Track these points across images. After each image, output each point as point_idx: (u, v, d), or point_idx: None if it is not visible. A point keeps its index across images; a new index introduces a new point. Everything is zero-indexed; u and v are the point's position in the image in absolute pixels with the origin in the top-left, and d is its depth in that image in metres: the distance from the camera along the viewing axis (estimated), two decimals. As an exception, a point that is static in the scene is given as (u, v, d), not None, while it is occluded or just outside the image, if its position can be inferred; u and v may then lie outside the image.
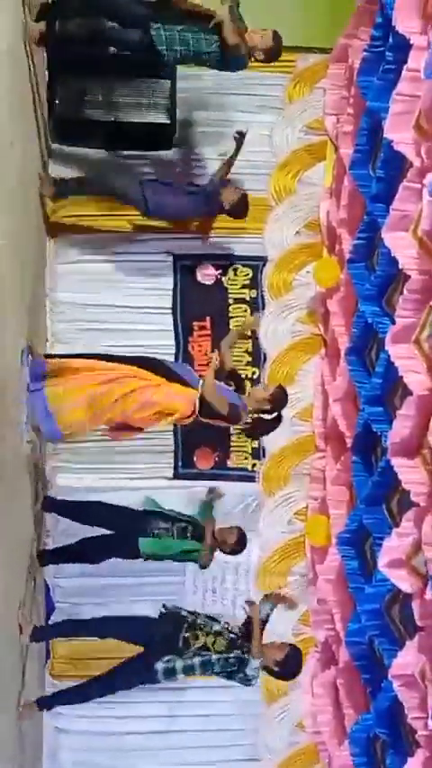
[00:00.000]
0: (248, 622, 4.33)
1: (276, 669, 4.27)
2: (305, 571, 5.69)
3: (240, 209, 5.11)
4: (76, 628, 4.83)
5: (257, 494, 5.73)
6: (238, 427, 4.77)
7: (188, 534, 4.65)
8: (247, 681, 4.30)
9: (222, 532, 4.71)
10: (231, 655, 4.24)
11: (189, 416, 4.27)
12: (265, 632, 4.35)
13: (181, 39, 4.39)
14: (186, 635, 4.26)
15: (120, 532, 4.69)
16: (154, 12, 4.42)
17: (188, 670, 4.25)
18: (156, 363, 4.34)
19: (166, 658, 4.23)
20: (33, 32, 4.27)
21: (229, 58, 4.50)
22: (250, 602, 4.45)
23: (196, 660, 4.23)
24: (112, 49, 4.81)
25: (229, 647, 4.24)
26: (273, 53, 4.65)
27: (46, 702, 4.63)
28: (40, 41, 4.41)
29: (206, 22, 4.38)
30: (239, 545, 4.75)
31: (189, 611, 4.46)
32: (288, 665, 4.28)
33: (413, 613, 3.74)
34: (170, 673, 4.25)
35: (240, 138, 5.02)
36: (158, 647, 4.28)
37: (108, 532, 4.74)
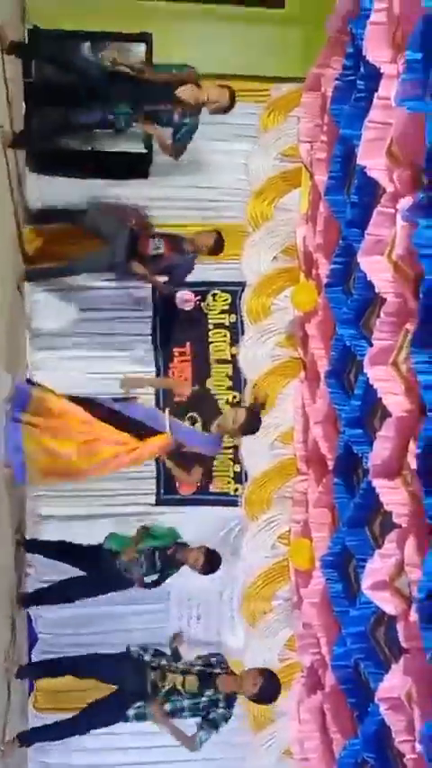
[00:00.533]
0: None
1: (254, 696, 4.30)
2: (289, 595, 5.67)
3: (218, 248, 5.14)
4: (54, 670, 4.81)
5: (240, 518, 5.73)
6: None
7: (156, 563, 4.61)
8: (213, 725, 4.28)
9: (188, 553, 4.63)
10: (203, 698, 4.24)
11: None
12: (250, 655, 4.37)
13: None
14: (152, 677, 4.26)
15: (91, 572, 4.71)
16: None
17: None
18: (122, 419, 4.31)
19: (137, 704, 4.26)
20: (6, 137, 4.39)
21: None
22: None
23: (167, 707, 4.25)
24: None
25: (201, 687, 4.25)
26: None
27: (26, 738, 4.59)
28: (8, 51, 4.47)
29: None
30: (209, 565, 4.63)
31: (152, 653, 4.42)
32: (265, 692, 4.30)
33: (398, 635, 3.73)
34: (141, 717, 4.29)
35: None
36: (128, 694, 4.28)
37: (82, 574, 4.76)
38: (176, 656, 4.46)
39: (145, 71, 4.62)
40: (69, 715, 4.60)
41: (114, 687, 4.39)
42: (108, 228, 5.04)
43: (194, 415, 4.42)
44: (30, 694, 5.32)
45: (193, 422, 4.41)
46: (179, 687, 4.23)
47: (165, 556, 4.59)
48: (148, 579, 4.60)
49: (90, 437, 4.17)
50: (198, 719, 4.29)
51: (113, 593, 4.79)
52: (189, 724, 4.36)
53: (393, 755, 4.00)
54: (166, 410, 4.40)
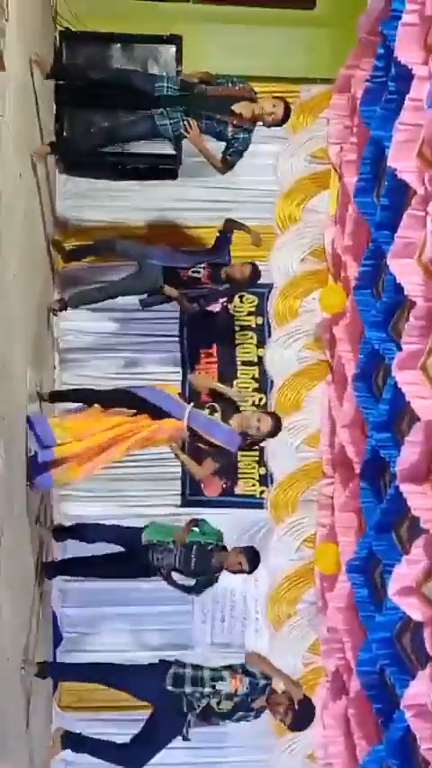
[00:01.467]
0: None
1: (291, 726, 4.25)
2: (314, 599, 5.64)
3: (255, 278, 5.16)
4: (81, 674, 4.73)
5: (266, 521, 5.71)
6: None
7: (192, 559, 4.58)
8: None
9: (232, 555, 4.58)
10: (234, 717, 4.21)
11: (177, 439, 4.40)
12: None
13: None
14: (189, 699, 4.19)
15: (127, 551, 4.68)
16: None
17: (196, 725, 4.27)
18: (143, 404, 4.35)
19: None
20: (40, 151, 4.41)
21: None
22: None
23: (203, 721, 4.25)
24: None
25: (235, 709, 4.18)
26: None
27: (70, 743, 4.55)
28: (48, 76, 4.50)
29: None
30: (254, 563, 4.60)
31: (191, 678, 4.25)
32: (298, 724, 4.24)
33: (424, 642, 3.69)
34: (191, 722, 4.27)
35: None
36: (165, 713, 4.23)
37: (116, 551, 4.73)
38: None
39: (206, 84, 4.53)
40: (94, 715, 4.58)
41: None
42: (137, 255, 5.09)
43: (215, 405, 4.42)
44: (54, 692, 5.34)
45: (212, 411, 4.40)
46: (213, 706, 4.17)
47: (201, 553, 4.52)
48: (179, 580, 4.55)
49: (109, 443, 4.23)
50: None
51: (140, 578, 4.75)
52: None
53: (418, 763, 3.96)
54: (190, 404, 4.42)
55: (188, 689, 4.18)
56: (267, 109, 4.54)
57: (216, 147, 4.70)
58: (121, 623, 5.52)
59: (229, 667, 4.28)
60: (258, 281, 5.23)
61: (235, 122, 4.51)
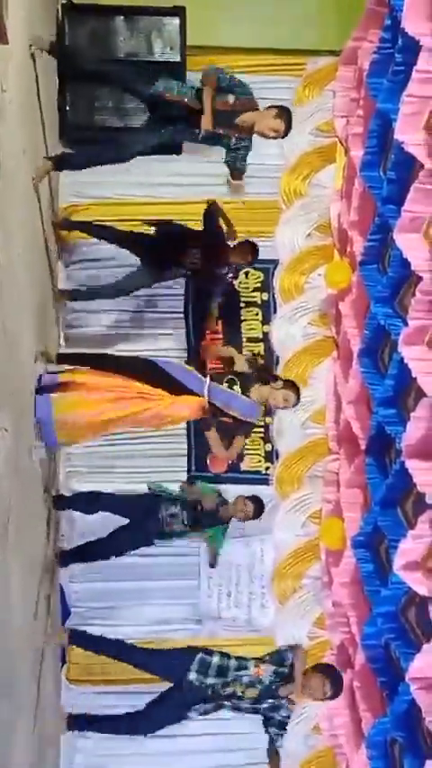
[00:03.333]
0: (291, 665, 4.26)
1: (328, 698, 4.29)
2: (320, 574, 5.68)
3: (255, 257, 5.21)
4: (101, 647, 4.77)
5: (271, 497, 5.73)
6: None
7: (198, 513, 4.67)
8: (281, 726, 4.24)
9: (234, 506, 4.73)
10: (264, 705, 4.20)
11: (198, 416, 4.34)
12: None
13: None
14: (215, 686, 4.21)
15: (134, 518, 4.71)
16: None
17: (218, 708, 4.27)
18: (161, 375, 4.28)
19: (197, 707, 4.24)
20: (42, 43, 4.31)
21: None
22: (295, 647, 4.40)
23: (227, 704, 4.24)
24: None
25: (261, 697, 4.19)
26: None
27: (77, 723, 4.64)
28: (50, 53, 4.43)
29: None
30: (258, 508, 4.77)
31: (217, 668, 4.26)
32: (336, 691, 4.28)
33: (429, 616, 3.72)
34: (203, 713, 4.29)
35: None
36: (188, 697, 4.24)
37: (123, 522, 4.76)
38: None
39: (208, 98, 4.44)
40: (102, 689, 4.63)
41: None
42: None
43: (233, 378, 4.38)
44: (62, 666, 5.41)
45: (231, 384, 4.36)
46: (240, 693, 4.19)
47: (208, 511, 4.62)
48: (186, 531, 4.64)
49: (119, 395, 4.16)
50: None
51: (152, 542, 4.79)
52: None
53: (423, 735, 4.01)
54: (207, 377, 4.36)
55: (211, 680, 4.22)
56: (268, 134, 4.49)
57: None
58: (128, 598, 5.57)
59: (257, 658, 4.32)
60: (258, 258, 5.21)
61: (237, 135, 4.49)
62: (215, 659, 4.28)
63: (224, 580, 5.65)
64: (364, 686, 4.79)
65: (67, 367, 4.31)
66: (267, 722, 4.25)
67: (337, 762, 5.40)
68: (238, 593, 5.70)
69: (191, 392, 4.25)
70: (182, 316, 5.73)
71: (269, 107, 4.52)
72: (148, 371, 4.27)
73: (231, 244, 5.10)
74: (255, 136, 4.55)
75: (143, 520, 4.67)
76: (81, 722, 4.70)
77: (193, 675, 4.24)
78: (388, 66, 4.27)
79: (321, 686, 4.21)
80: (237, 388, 4.32)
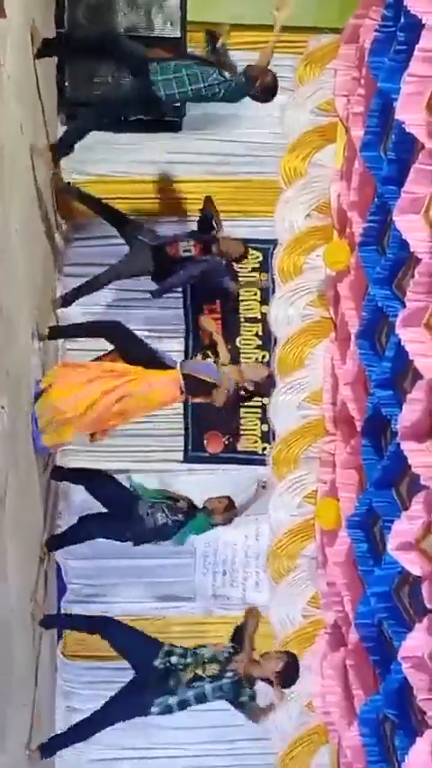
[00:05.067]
0: (239, 633, 4.32)
1: (277, 680, 4.27)
2: (315, 554, 5.71)
3: (245, 257, 5.28)
4: (83, 625, 4.84)
5: (267, 477, 5.75)
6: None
7: (180, 508, 4.72)
8: (247, 709, 4.27)
9: (212, 501, 4.79)
10: (224, 680, 4.20)
11: (176, 398, 4.46)
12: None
13: (177, 81, 4.42)
14: (178, 675, 4.23)
15: (115, 514, 4.75)
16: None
17: (183, 705, 4.26)
18: (133, 346, 4.46)
19: (159, 701, 4.23)
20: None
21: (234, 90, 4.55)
22: (249, 610, 4.45)
23: (190, 694, 4.22)
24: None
25: (222, 670, 4.21)
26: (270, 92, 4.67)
27: (47, 749, 4.45)
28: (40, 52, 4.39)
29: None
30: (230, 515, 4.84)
31: (180, 653, 4.32)
32: (288, 674, 4.30)
33: (422, 596, 3.75)
34: (166, 710, 4.26)
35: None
36: (150, 689, 4.25)
37: (104, 512, 4.81)
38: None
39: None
40: (98, 664, 4.66)
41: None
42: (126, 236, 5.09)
43: (208, 352, 4.62)
44: (58, 641, 5.46)
45: (205, 357, 4.61)
46: (200, 674, 4.22)
47: (188, 505, 4.68)
48: (162, 520, 4.66)
49: (88, 377, 4.27)
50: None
51: (132, 536, 4.79)
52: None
53: (414, 713, 4.06)
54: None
55: (174, 659, 4.27)
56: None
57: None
58: (124, 575, 5.60)
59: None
60: (245, 256, 5.28)
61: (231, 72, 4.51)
62: (178, 649, 4.36)
63: (219, 559, 5.69)
64: (357, 664, 4.84)
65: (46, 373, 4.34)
66: (236, 706, 4.28)
67: (330, 739, 5.46)
68: (233, 572, 5.74)
69: (164, 365, 4.42)
70: (181, 296, 5.72)
71: None
72: (123, 344, 4.45)
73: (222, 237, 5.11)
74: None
75: (123, 517, 4.71)
76: (49, 748, 4.51)
77: (158, 662, 4.28)
78: (390, 45, 4.23)
79: (274, 664, 4.23)
80: (210, 360, 4.59)
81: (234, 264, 5.50)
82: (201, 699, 4.23)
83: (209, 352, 4.62)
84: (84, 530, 4.84)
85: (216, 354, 4.67)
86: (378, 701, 4.34)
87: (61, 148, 4.66)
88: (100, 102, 4.82)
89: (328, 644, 5.51)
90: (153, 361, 4.43)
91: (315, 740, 5.65)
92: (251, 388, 4.64)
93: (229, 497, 4.88)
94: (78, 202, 5.27)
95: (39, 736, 4.34)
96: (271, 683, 4.29)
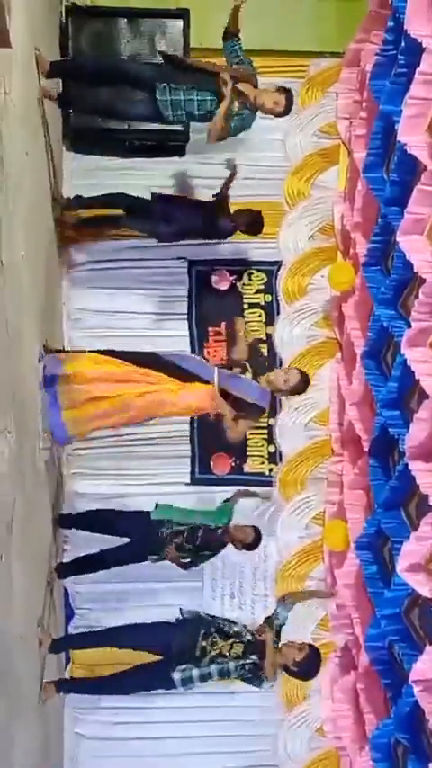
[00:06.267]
0: (262, 631, 4.33)
1: (294, 669, 4.28)
2: (323, 575, 5.67)
3: (257, 227, 5.20)
4: (93, 640, 4.83)
5: (275, 498, 5.73)
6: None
7: (198, 536, 4.61)
8: (260, 683, 4.32)
9: (237, 531, 4.69)
10: (248, 660, 4.23)
11: (210, 411, 4.30)
12: (283, 633, 4.37)
13: (186, 101, 4.45)
14: (203, 643, 4.26)
15: (135, 539, 4.69)
16: (161, 74, 4.47)
17: (205, 677, 4.27)
18: (169, 365, 4.29)
19: (183, 667, 4.23)
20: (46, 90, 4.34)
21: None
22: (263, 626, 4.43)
23: (213, 668, 4.24)
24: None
25: (246, 651, 4.24)
26: (286, 110, 4.61)
27: (64, 686, 4.59)
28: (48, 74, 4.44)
29: (214, 78, 4.41)
30: (255, 543, 4.73)
31: (207, 617, 4.46)
32: (306, 666, 4.30)
33: (433, 618, 3.72)
34: (187, 681, 4.27)
35: (233, 169, 5.06)
36: (175, 657, 4.27)
37: (124, 541, 4.74)
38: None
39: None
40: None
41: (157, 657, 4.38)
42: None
43: (246, 365, 4.39)
44: (66, 667, 5.42)
45: (244, 370, 4.37)
46: (225, 653, 4.24)
47: (207, 533, 4.57)
48: (183, 559, 4.60)
49: (125, 377, 4.17)
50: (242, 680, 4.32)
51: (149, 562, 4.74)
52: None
53: (427, 737, 4.01)
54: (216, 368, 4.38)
55: (203, 614, 4.38)
56: (268, 105, 4.48)
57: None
58: (132, 599, 5.57)
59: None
60: (260, 230, 5.23)
61: (242, 100, 4.47)
62: (205, 616, 4.44)
63: (228, 582, 5.65)
64: (367, 688, 4.79)
65: (70, 353, 4.27)
66: (249, 681, 4.32)
67: (341, 764, 5.39)
68: (242, 595, 5.70)
69: (200, 380, 4.24)
70: (185, 317, 5.74)
71: (271, 85, 4.55)
72: (152, 362, 4.27)
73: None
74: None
75: (144, 543, 4.65)
76: (66, 685, 4.69)
77: (185, 640, 4.30)
78: (391, 69, 4.27)
79: (296, 653, 4.22)
80: (248, 374, 4.35)
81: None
82: (223, 674, 4.27)
83: (247, 365, 4.35)
84: (102, 563, 4.80)
85: (255, 365, 4.40)
86: (390, 726, 4.29)
87: (53, 72, 4.53)
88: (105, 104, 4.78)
89: (338, 667, 5.46)
90: (187, 375, 4.25)
91: (326, 765, 5.58)
92: (283, 390, 4.43)
93: (255, 528, 4.75)
94: (82, 214, 5.27)
95: (47, 764, 4.30)
96: (288, 670, 4.28)
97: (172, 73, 4.46)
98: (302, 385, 4.43)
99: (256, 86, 4.53)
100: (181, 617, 4.47)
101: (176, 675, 4.23)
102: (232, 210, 5.14)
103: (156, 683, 4.41)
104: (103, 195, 5.20)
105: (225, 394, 4.25)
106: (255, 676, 4.27)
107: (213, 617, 4.49)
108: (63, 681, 4.52)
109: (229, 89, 4.37)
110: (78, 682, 4.77)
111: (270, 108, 4.51)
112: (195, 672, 4.24)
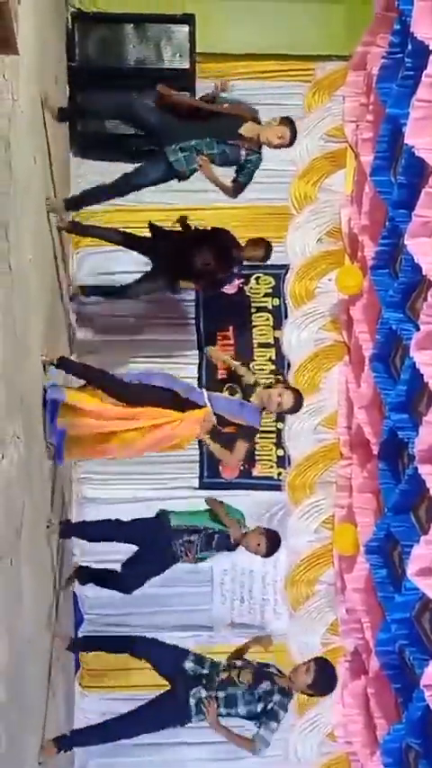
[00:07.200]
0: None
1: (311, 692, 4.18)
2: (333, 580, 5.65)
3: (267, 256, 5.20)
4: (108, 644, 4.76)
5: (284, 502, 5.72)
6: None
7: (213, 543, 4.54)
8: (275, 716, 4.15)
9: (252, 538, 4.56)
10: (257, 690, 4.10)
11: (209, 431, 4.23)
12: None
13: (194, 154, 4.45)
14: (211, 675, 4.16)
15: (146, 545, 4.62)
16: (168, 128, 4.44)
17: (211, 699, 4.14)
18: (162, 394, 4.16)
19: (193, 691, 4.13)
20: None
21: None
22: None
23: (221, 693, 4.12)
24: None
25: (256, 680, 4.12)
26: (291, 142, 4.58)
27: (66, 743, 4.26)
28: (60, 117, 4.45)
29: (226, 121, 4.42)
30: (272, 546, 4.49)
31: (210, 664, 4.24)
32: (322, 684, 4.15)
33: (444, 622, 3.70)
34: (200, 705, 4.12)
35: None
36: (183, 689, 4.17)
37: (135, 549, 4.61)
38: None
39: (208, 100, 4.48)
40: (114, 695, 4.58)
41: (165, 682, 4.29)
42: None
43: (233, 386, 4.40)
44: (76, 673, 5.41)
45: (233, 392, 4.37)
46: (234, 678, 4.13)
47: (222, 538, 4.43)
48: (200, 555, 4.51)
49: (129, 426, 4.08)
50: (254, 721, 4.16)
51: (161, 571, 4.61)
52: (241, 725, 4.28)
53: (438, 742, 3.99)
54: (203, 389, 4.32)
55: (206, 671, 4.19)
56: (274, 142, 4.46)
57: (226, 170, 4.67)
58: (142, 604, 5.54)
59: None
60: (270, 258, 5.21)
61: (247, 146, 4.46)
62: (208, 658, 4.29)
63: (237, 586, 5.64)
64: (378, 693, 4.77)
65: (74, 383, 4.22)
66: (261, 716, 4.14)
67: (352, 769, 5.37)
68: (251, 600, 5.69)
69: (194, 405, 4.17)
70: (193, 321, 5.74)
71: (273, 118, 4.51)
72: (148, 394, 4.15)
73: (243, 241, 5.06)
74: (264, 150, 4.53)
75: (156, 551, 4.50)
76: (67, 741, 4.34)
77: (189, 665, 4.21)
78: (397, 71, 4.27)
79: (305, 677, 4.08)
80: (238, 395, 4.31)
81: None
82: (230, 704, 4.10)
83: (234, 387, 4.36)
84: (121, 584, 4.62)
85: (240, 386, 4.36)
86: (401, 731, 4.26)
87: (71, 204, 4.70)
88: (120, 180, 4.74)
89: (348, 672, 5.43)
90: (182, 401, 4.14)
91: (337, 770, 5.56)
92: (276, 411, 4.33)
93: (265, 530, 4.53)
94: (92, 236, 5.30)
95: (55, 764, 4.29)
96: (307, 693, 4.19)
97: (178, 128, 4.44)
98: (297, 407, 4.32)
99: (259, 122, 4.50)
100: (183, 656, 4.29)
101: (192, 702, 4.11)
102: (243, 244, 5.09)
103: (171, 719, 4.24)
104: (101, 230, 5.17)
105: (219, 416, 4.17)
106: (269, 709, 4.11)
107: (216, 664, 4.26)
108: (64, 737, 4.21)
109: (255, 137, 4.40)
110: (82, 733, 4.51)
111: (277, 144, 4.49)
112: (204, 692, 4.11)
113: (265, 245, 5.10)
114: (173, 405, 4.09)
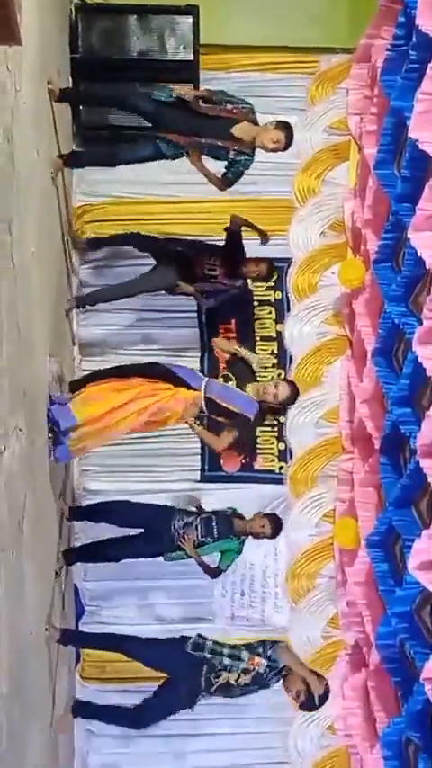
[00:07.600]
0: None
1: (302, 704, 4.29)
2: (334, 573, 5.66)
3: (270, 276, 5.26)
4: (101, 642, 4.83)
5: (285, 496, 5.72)
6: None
7: (213, 526, 4.58)
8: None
9: (252, 522, 4.63)
10: (252, 689, 4.28)
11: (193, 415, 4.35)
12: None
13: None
14: (209, 676, 4.25)
15: (146, 531, 4.66)
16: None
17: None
18: (163, 371, 4.38)
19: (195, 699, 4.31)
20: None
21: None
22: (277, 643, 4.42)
23: (219, 695, 4.31)
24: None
25: (253, 683, 4.25)
26: (286, 147, 4.57)
27: (80, 711, 4.60)
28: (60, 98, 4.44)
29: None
30: (276, 527, 4.65)
31: (211, 649, 4.34)
32: (320, 699, 4.27)
33: (445, 616, 3.71)
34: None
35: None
36: (181, 688, 4.29)
37: (135, 532, 4.71)
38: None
39: (206, 99, 4.46)
40: (116, 687, 4.61)
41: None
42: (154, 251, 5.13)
43: (229, 374, 4.46)
44: (76, 664, 5.43)
45: (227, 380, 4.44)
46: (232, 682, 4.23)
47: (223, 519, 4.53)
48: (202, 553, 4.54)
49: (124, 400, 4.21)
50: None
51: (160, 556, 4.69)
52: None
53: (438, 735, 4.00)
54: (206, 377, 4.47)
55: (208, 654, 4.28)
56: (269, 146, 4.45)
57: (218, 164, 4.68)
58: (142, 596, 5.58)
59: (250, 647, 4.33)
60: (271, 274, 5.25)
61: (236, 148, 4.45)
62: (209, 642, 4.36)
63: (238, 579, 5.65)
64: (378, 686, 4.78)
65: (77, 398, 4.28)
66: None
67: (352, 762, 5.38)
68: (252, 593, 5.69)
69: (189, 387, 4.30)
70: (195, 314, 5.72)
71: (270, 122, 4.50)
72: (149, 369, 4.37)
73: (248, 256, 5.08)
74: (258, 151, 4.53)
75: (156, 532, 4.60)
76: (85, 710, 4.71)
77: (190, 650, 4.30)
78: (402, 64, 4.25)
79: (297, 684, 4.20)
80: (232, 383, 4.39)
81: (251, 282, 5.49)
82: (228, 696, 4.33)
83: (230, 374, 4.44)
84: (112, 551, 4.75)
85: (238, 373, 4.46)
86: (401, 724, 4.28)
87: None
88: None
89: (348, 665, 5.45)
90: (178, 381, 4.32)
91: (337, 763, 5.57)
92: (272, 403, 4.43)
93: (265, 514, 4.70)
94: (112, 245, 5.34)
95: (58, 764, 4.31)
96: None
97: (174, 119, 4.45)
98: (293, 399, 4.44)
99: (256, 124, 4.49)
100: (187, 651, 4.36)
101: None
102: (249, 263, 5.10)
103: (172, 712, 4.41)
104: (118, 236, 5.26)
105: (213, 403, 4.29)
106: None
107: (220, 649, 4.35)
108: (78, 705, 4.49)
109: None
110: (95, 709, 4.75)
111: (272, 149, 4.49)
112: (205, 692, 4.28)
113: (268, 266, 5.12)
114: (165, 379, 4.26)
